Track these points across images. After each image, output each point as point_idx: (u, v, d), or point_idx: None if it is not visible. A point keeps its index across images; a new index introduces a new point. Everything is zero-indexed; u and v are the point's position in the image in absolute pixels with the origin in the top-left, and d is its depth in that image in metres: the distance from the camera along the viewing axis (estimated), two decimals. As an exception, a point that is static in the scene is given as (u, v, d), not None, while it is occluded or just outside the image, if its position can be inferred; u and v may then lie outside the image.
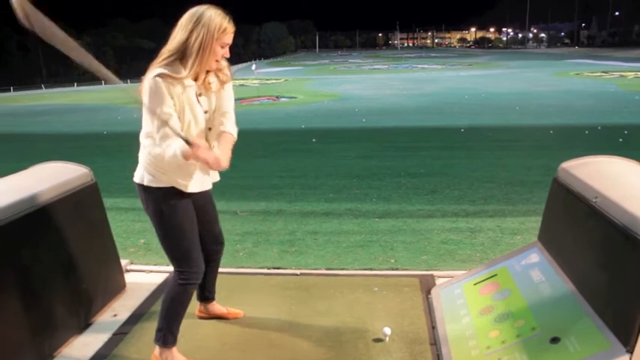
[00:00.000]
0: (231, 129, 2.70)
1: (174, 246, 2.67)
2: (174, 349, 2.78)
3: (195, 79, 2.54)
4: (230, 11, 2.55)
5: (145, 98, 2.41)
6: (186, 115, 2.51)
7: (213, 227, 2.99)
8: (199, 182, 2.70)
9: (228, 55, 2.57)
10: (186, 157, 2.41)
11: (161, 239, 2.68)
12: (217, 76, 2.63)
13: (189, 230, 2.67)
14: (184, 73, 2.45)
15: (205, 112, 2.61)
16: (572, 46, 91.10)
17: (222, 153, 2.57)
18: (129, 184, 2.67)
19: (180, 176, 2.59)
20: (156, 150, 2.46)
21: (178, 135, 2.40)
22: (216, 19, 2.45)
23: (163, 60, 2.44)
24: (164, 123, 2.39)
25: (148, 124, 2.50)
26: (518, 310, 2.73)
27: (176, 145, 2.40)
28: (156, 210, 2.60)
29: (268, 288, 3.67)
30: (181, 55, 2.45)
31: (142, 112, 2.52)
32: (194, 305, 3.22)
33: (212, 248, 3.01)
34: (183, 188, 2.62)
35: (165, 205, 2.59)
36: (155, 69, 2.42)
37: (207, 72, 2.58)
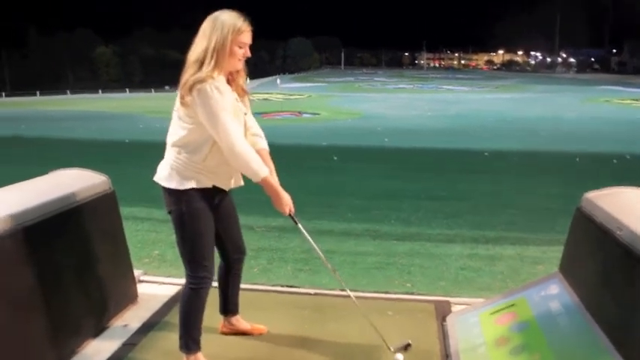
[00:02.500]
0: (266, 144, 2.92)
1: (190, 250, 2.75)
2: (200, 355, 2.83)
3: (228, 82, 2.67)
4: (256, 27, 2.67)
5: (203, 106, 2.50)
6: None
7: (235, 234, 3.06)
8: (235, 179, 2.82)
9: (249, 55, 2.67)
10: (263, 180, 2.61)
11: (179, 241, 2.77)
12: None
13: (207, 236, 2.75)
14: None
15: (245, 113, 2.76)
16: (603, 72, 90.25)
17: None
18: (147, 193, 2.74)
19: (219, 177, 2.72)
20: (233, 147, 2.54)
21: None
22: (230, 20, 2.57)
23: (197, 67, 2.54)
24: (230, 126, 2.53)
25: (192, 131, 2.60)
26: (535, 343, 2.68)
27: (263, 163, 2.63)
28: (181, 213, 2.68)
29: (281, 306, 3.66)
30: (204, 60, 2.55)
31: (171, 120, 2.67)
32: (217, 320, 3.23)
33: (233, 257, 3.08)
34: (225, 187, 2.76)
35: (190, 209, 2.67)
36: (209, 79, 2.51)
37: (236, 73, 2.71)
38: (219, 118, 2.50)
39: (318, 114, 20.95)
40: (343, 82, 52.14)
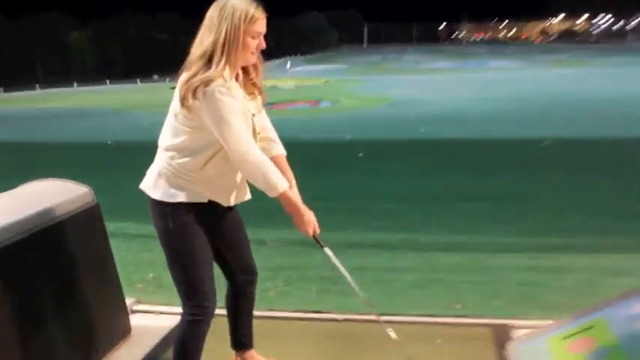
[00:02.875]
0: (282, 149, 2.94)
1: (182, 274, 2.75)
2: None
3: (236, 79, 2.67)
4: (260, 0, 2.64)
5: (211, 110, 2.49)
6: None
7: (243, 253, 3.08)
8: (237, 195, 2.83)
9: (263, 46, 2.66)
10: (281, 195, 2.62)
11: (169, 264, 2.78)
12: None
13: (201, 256, 2.74)
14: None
15: (253, 115, 2.73)
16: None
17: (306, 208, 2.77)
18: (137, 205, 2.74)
19: (218, 190, 2.73)
20: (246, 155, 2.54)
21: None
22: (241, 6, 2.55)
23: (202, 66, 2.52)
24: (244, 135, 2.54)
25: (192, 135, 2.59)
26: (620, 375, 2.64)
27: (280, 175, 2.63)
28: (167, 229, 2.69)
29: (305, 337, 3.66)
30: (211, 56, 2.54)
31: (166, 118, 2.67)
32: (228, 354, 3.24)
33: (242, 279, 3.09)
34: (224, 202, 2.76)
35: (177, 224, 2.67)
36: (217, 81, 2.48)
37: (249, 69, 2.72)
38: (230, 123, 2.50)
39: (338, 102, 20.99)
40: (367, 63, 52.23)
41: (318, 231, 2.81)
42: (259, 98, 2.80)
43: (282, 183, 2.62)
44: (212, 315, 2.80)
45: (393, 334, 2.96)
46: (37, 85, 44.16)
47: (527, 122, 14.19)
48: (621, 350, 2.80)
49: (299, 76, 33.56)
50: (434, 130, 13.30)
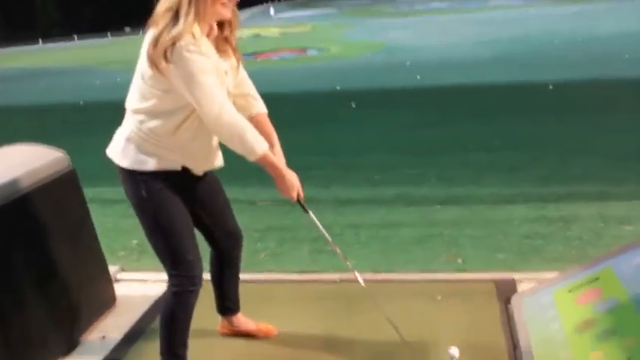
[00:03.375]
0: (264, 106, 2.91)
1: (162, 242, 2.75)
2: None
3: (209, 35, 2.60)
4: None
5: (181, 71, 2.44)
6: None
7: (225, 218, 3.08)
8: (209, 162, 2.82)
9: None
10: (261, 158, 2.59)
11: (147, 234, 2.79)
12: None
13: (180, 223, 2.74)
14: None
15: (226, 72, 2.68)
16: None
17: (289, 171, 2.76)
18: (111, 168, 2.75)
19: (191, 156, 2.71)
20: (220, 117, 2.51)
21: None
22: None
23: (169, 20, 2.45)
24: (217, 93, 2.51)
25: (161, 98, 2.55)
26: (628, 326, 2.71)
27: (259, 136, 2.59)
28: (140, 198, 2.69)
29: (299, 299, 3.73)
30: (178, 10, 2.45)
31: (133, 78, 2.62)
32: (215, 319, 3.32)
33: (226, 244, 3.11)
34: (194, 169, 2.75)
35: (150, 192, 2.67)
36: (184, 39, 2.42)
37: (223, 24, 2.64)
38: (201, 83, 2.45)
39: (327, 50, 20.82)
40: (357, 6, 51.53)
41: (302, 194, 2.80)
42: (233, 58, 2.74)
43: (261, 145, 2.58)
44: (200, 284, 2.82)
45: (369, 292, 2.99)
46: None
47: (529, 65, 14.14)
48: (629, 300, 2.87)
49: (284, 23, 33.18)
50: (430, 77, 13.25)
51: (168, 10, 2.45)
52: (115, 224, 5.43)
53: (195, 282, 2.79)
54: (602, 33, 19.73)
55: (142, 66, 2.54)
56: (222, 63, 2.65)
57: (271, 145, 2.76)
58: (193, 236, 2.83)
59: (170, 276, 2.80)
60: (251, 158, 2.59)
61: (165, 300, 2.86)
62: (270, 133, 2.86)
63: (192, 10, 2.43)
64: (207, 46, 2.52)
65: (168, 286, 2.82)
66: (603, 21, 24.02)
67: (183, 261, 2.75)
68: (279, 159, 2.78)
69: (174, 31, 2.40)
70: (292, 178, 2.74)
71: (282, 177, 2.71)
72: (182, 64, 2.42)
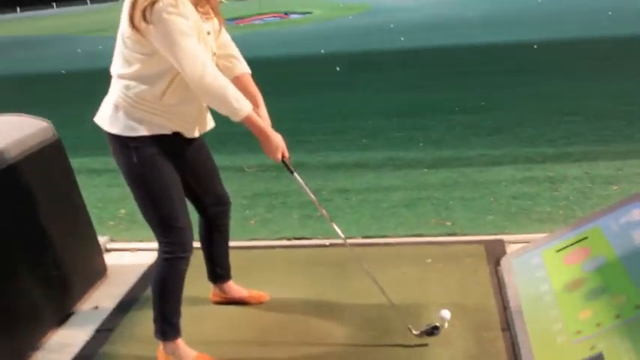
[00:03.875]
0: (247, 66, 2.89)
1: (153, 209, 2.75)
2: (180, 342, 2.90)
3: None
4: None
5: (161, 33, 2.41)
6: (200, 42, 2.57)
7: (212, 184, 3.07)
8: (201, 124, 2.82)
9: None
10: (246, 118, 2.58)
11: (138, 202, 2.77)
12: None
13: (172, 190, 2.74)
14: None
15: (208, 33, 2.65)
16: None
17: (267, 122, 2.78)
18: (100, 138, 2.73)
19: (182, 119, 2.69)
20: (202, 79, 2.49)
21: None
22: None
23: None
24: (199, 55, 2.48)
25: (145, 62, 2.52)
26: (617, 283, 2.74)
27: (242, 97, 2.58)
28: (131, 165, 2.67)
29: (290, 264, 3.74)
30: None
31: (115, 44, 2.58)
32: (207, 287, 3.33)
33: (214, 211, 3.10)
34: (188, 134, 2.75)
35: (142, 158, 2.65)
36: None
37: None
38: (182, 45, 2.42)
39: (310, 13, 20.65)
40: (339, -32, 51.05)
41: (287, 155, 2.79)
42: (216, 20, 2.71)
43: (245, 106, 2.58)
44: (191, 251, 2.83)
45: (358, 258, 3.01)
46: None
47: (512, 25, 14.09)
48: (618, 259, 2.89)
49: (265, -13, 32.80)
50: (414, 39, 13.19)
51: None
52: (103, 194, 5.42)
53: (186, 249, 2.80)
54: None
55: (124, 29, 2.50)
56: (204, 24, 2.62)
57: (256, 106, 2.76)
58: (184, 203, 2.83)
59: (161, 243, 2.80)
60: (235, 119, 2.59)
61: (156, 267, 2.86)
62: (254, 94, 2.85)
63: None
64: (187, 7, 2.48)
65: (159, 253, 2.82)
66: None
67: (175, 228, 2.75)
68: (264, 120, 2.77)
69: None
70: (277, 138, 2.73)
71: (266, 137, 2.70)
72: (161, 26, 2.39)
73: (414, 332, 2.93)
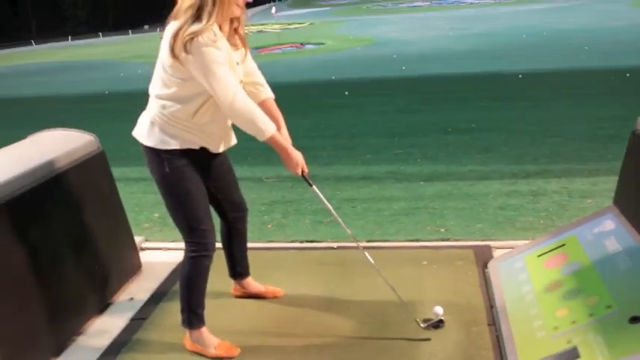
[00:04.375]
0: (271, 92, 2.92)
1: (181, 213, 2.78)
2: (204, 330, 2.91)
3: (221, 29, 2.59)
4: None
5: (199, 63, 2.45)
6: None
7: (232, 193, 3.09)
8: (225, 141, 2.85)
9: (251, 0, 2.62)
10: (270, 138, 2.62)
11: (168, 206, 2.81)
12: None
13: (198, 196, 2.77)
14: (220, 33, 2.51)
15: (237, 63, 2.69)
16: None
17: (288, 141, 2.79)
18: (137, 150, 2.76)
19: (209, 136, 2.72)
20: (233, 104, 2.53)
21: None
22: None
23: (191, 17, 2.45)
24: (232, 82, 2.52)
25: (181, 86, 2.56)
26: (590, 286, 2.72)
27: (267, 120, 2.62)
28: (163, 174, 2.70)
29: (302, 264, 3.74)
30: (200, 8, 2.46)
31: (155, 67, 2.62)
32: (229, 283, 3.33)
33: (233, 216, 3.13)
34: (214, 149, 2.77)
35: (173, 168, 2.68)
36: (204, 34, 2.43)
37: (232, 20, 2.63)
38: (217, 74, 2.47)
39: (323, 44, 20.70)
40: (349, 5, 51.20)
41: (306, 170, 2.82)
42: (242, 49, 2.75)
43: (270, 128, 2.62)
44: (213, 250, 2.85)
45: (371, 259, 3.01)
46: (32, 41, 43.12)
47: (501, 56, 14.08)
48: (592, 264, 2.88)
49: (284, 20, 32.95)
50: (414, 68, 13.19)
51: (190, 6, 2.46)
52: (139, 200, 5.44)
53: (209, 248, 2.83)
54: (565, 28, 19.64)
55: (163, 56, 2.56)
56: (234, 54, 2.66)
57: (279, 127, 2.78)
58: (208, 208, 2.86)
59: (187, 243, 2.83)
60: (261, 139, 2.63)
61: (183, 264, 2.88)
62: (277, 117, 2.87)
63: (215, 11, 2.46)
64: (222, 40, 2.53)
65: (186, 252, 2.85)
66: (566, 18, 23.90)
67: (198, 230, 2.78)
68: (285, 139, 2.80)
69: (196, 27, 2.42)
70: (297, 156, 2.76)
71: (288, 155, 2.73)
72: (200, 56, 2.44)
73: (422, 325, 2.92)
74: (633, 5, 27.57)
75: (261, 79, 2.92)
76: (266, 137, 2.62)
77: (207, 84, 2.50)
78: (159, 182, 2.75)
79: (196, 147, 2.70)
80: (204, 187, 2.82)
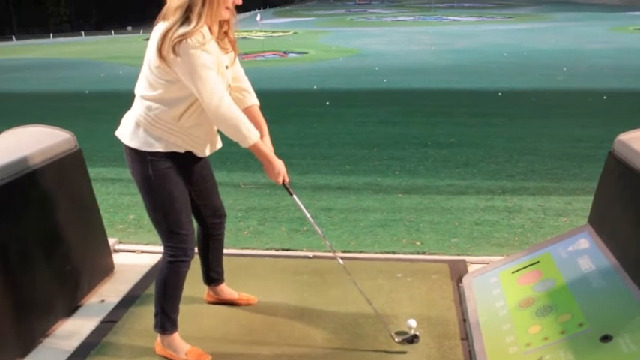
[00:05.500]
0: (256, 98, 2.90)
1: (162, 217, 2.74)
2: (176, 335, 2.88)
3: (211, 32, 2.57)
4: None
5: (186, 65, 2.42)
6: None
7: (212, 198, 3.06)
8: (211, 145, 2.82)
9: (239, 2, 2.58)
10: (252, 146, 2.62)
11: (149, 209, 2.76)
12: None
13: (180, 201, 2.74)
14: (209, 35, 2.49)
15: (226, 67, 2.68)
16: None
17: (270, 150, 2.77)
18: (115, 151, 2.73)
19: (194, 140, 2.69)
20: (219, 108, 2.50)
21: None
22: None
23: (179, 19, 2.42)
24: (218, 88, 2.50)
25: (167, 88, 2.53)
26: (563, 303, 2.74)
27: (252, 127, 2.60)
28: (146, 176, 2.66)
29: (277, 272, 3.71)
30: (189, 9, 2.44)
31: (142, 67, 2.59)
32: (201, 288, 3.29)
33: (211, 222, 3.10)
34: (199, 153, 2.75)
35: (157, 171, 2.64)
36: (193, 37, 2.40)
37: (222, 23, 2.61)
38: (203, 77, 2.45)
39: (305, 53, 20.70)
40: (333, 16, 51.37)
41: (287, 179, 2.82)
42: (232, 53, 2.73)
43: (253, 135, 2.61)
44: (192, 255, 2.83)
45: (348, 272, 3.00)
46: (13, 37, 42.65)
47: (481, 73, 14.19)
48: (565, 282, 2.90)
49: (268, 28, 32.96)
50: (396, 81, 13.24)
51: (179, 7, 2.43)
52: (115, 201, 5.37)
53: (188, 253, 2.80)
54: (545, 48, 19.89)
55: (150, 57, 2.52)
56: (224, 57, 2.65)
57: (262, 135, 2.77)
58: (189, 213, 2.83)
59: (166, 247, 2.79)
60: (244, 146, 2.62)
61: (160, 268, 2.84)
62: (261, 124, 2.86)
63: (205, 12, 2.43)
64: (211, 43, 2.51)
65: (164, 256, 2.81)
66: (545, 38, 24.21)
67: (179, 234, 2.75)
68: (268, 147, 2.79)
69: (185, 29, 2.40)
70: (279, 165, 2.76)
71: (270, 164, 2.73)
72: (187, 58, 2.41)
73: (397, 339, 2.91)
74: (612, 30, 28.08)
75: (247, 85, 2.90)
76: (249, 145, 2.61)
77: (193, 87, 2.47)
78: (140, 184, 2.70)
79: (181, 151, 2.67)
80: (186, 192, 2.79)
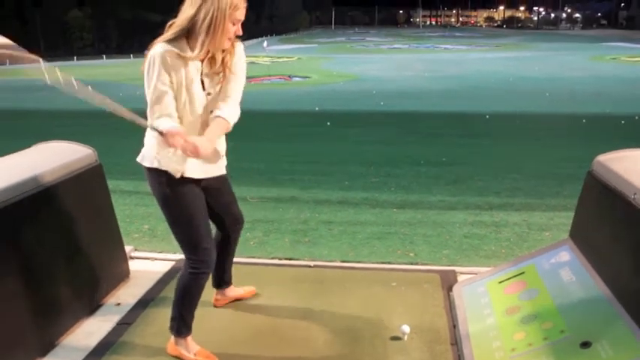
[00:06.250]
0: (226, 114, 2.56)
1: (181, 232, 2.71)
2: (190, 338, 2.85)
3: (203, 59, 2.52)
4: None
5: (145, 73, 2.45)
6: (183, 95, 2.49)
7: (233, 208, 3.05)
8: (200, 168, 2.65)
9: (240, 33, 2.53)
10: (165, 141, 2.44)
11: (170, 225, 2.73)
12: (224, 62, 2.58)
13: (197, 216, 2.69)
14: (190, 52, 2.43)
15: (209, 94, 2.58)
16: (610, 27, 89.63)
17: (204, 138, 2.47)
18: (132, 165, 2.72)
19: (174, 160, 2.57)
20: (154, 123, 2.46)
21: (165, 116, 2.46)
22: None
23: (169, 35, 2.43)
24: (157, 99, 2.44)
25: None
26: (546, 312, 2.73)
27: (164, 125, 2.43)
28: (161, 193, 2.63)
29: (280, 280, 3.70)
30: (187, 32, 2.42)
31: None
32: (208, 293, 3.28)
33: (230, 227, 3.08)
34: (175, 174, 2.58)
35: (170, 189, 2.60)
36: (159, 44, 2.42)
37: (223, 51, 2.55)
38: (150, 83, 2.43)
39: (308, 77, 20.80)
40: (334, 43, 51.66)
41: (203, 152, 2.43)
42: (231, 79, 2.59)
43: (164, 124, 2.42)
44: (213, 267, 2.80)
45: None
46: (41, 60, 42.83)
47: (470, 98, 14.27)
48: (547, 292, 2.89)
49: (274, 54, 33.12)
50: (392, 104, 13.30)
51: (179, 26, 2.41)
52: (131, 211, 5.37)
53: (210, 265, 2.76)
54: (529, 75, 19.98)
55: None
56: (210, 84, 2.55)
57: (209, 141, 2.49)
58: (209, 227, 2.78)
59: (188, 259, 2.74)
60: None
61: (181, 275, 2.79)
62: (209, 129, 2.55)
63: (207, 42, 2.41)
64: (180, 59, 2.44)
65: (186, 267, 2.75)
66: (530, 66, 24.33)
67: (199, 248, 2.70)
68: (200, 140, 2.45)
69: (172, 45, 2.40)
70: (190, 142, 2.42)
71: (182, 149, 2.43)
72: (147, 70, 2.43)
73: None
74: (591, 59, 28.21)
75: (226, 101, 2.60)
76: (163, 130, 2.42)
77: (145, 83, 2.45)
78: (159, 201, 2.66)
79: (177, 175, 2.56)
80: (204, 205, 2.73)
